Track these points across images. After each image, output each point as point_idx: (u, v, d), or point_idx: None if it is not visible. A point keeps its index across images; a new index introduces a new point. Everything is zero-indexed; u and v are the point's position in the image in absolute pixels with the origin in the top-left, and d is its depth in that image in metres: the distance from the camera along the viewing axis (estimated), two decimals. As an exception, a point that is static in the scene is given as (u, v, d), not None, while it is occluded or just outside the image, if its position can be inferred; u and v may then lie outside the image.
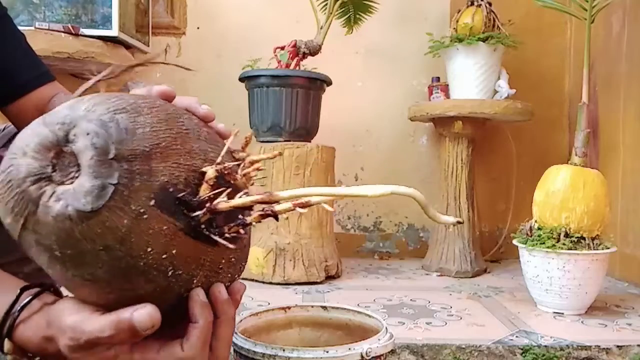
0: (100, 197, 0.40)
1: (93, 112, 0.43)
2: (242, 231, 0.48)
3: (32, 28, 1.89)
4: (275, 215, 0.47)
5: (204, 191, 0.45)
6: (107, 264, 0.42)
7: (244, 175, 0.48)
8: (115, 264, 0.42)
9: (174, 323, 0.48)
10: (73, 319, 0.46)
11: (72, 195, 0.41)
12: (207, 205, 0.44)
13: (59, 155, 0.42)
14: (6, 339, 0.50)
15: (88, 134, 0.42)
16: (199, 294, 0.47)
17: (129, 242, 0.42)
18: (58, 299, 0.51)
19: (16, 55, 0.80)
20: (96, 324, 0.45)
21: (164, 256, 0.43)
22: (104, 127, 0.42)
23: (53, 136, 0.42)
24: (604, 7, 1.78)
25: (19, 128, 0.81)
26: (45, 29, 1.89)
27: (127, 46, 2.17)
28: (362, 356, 0.67)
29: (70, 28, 1.92)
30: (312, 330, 1.00)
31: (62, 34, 1.90)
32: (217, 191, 0.45)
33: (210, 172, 0.45)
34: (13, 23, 0.81)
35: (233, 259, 0.50)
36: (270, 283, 1.92)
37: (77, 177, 0.41)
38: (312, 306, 1.02)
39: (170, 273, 0.44)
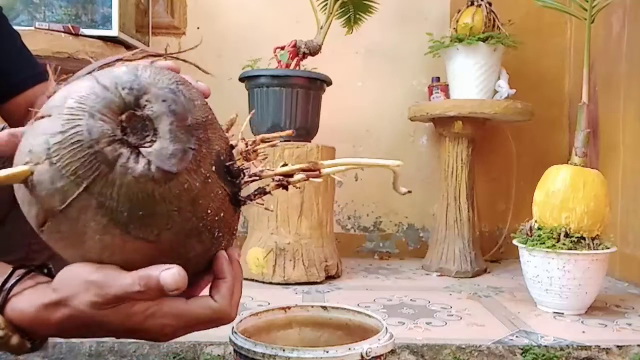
0: (183, 160, 0.43)
1: (159, 81, 0.45)
2: (262, 199, 0.52)
3: (32, 28, 1.89)
4: (286, 186, 0.52)
5: (239, 162, 0.50)
6: (177, 225, 0.43)
7: (255, 151, 0.53)
8: (183, 225, 0.44)
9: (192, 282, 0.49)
10: (97, 275, 0.45)
11: (157, 157, 0.42)
12: (254, 173, 0.49)
13: (130, 119, 0.43)
14: None
15: (164, 100, 0.44)
16: (225, 254, 0.50)
17: (197, 204, 0.44)
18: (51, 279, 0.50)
19: (11, 54, 0.80)
20: (127, 278, 0.45)
21: (216, 218, 0.46)
22: (176, 95, 0.44)
23: (120, 100, 0.43)
24: (604, 7, 1.78)
25: (12, 126, 0.81)
26: (45, 29, 1.89)
27: (127, 46, 2.17)
28: (362, 356, 0.67)
29: (70, 28, 1.92)
30: (312, 330, 1.00)
31: (62, 34, 1.90)
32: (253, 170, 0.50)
33: (241, 145, 0.51)
34: (8, 22, 0.80)
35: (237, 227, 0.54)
36: (270, 283, 1.92)
37: (155, 141, 0.42)
38: (312, 306, 1.02)
39: (215, 234, 0.47)
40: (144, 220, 0.42)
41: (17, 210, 0.83)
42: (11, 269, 0.51)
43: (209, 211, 0.45)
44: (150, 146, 0.42)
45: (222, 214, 0.47)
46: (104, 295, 0.45)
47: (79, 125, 0.41)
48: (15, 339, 0.49)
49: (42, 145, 0.41)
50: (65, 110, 0.42)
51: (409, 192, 0.51)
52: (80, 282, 0.46)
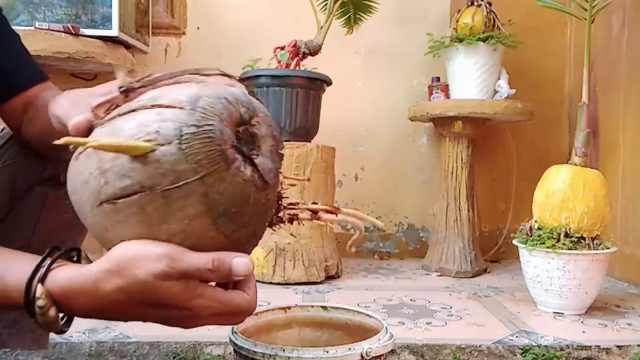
0: (275, 177, 0.53)
1: (264, 108, 0.56)
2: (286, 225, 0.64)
3: (32, 28, 1.89)
4: (294, 220, 0.63)
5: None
6: (251, 226, 0.52)
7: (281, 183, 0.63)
8: (254, 228, 0.53)
9: None
10: (171, 249, 0.48)
11: (261, 168, 0.51)
12: (292, 202, 0.63)
13: (245, 132, 0.51)
14: (39, 284, 0.50)
15: (269, 125, 0.54)
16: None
17: (268, 214, 0.55)
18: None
19: (11, 54, 0.80)
20: (200, 257, 0.49)
21: (265, 228, 0.57)
22: (275, 124, 0.56)
23: (238, 115, 0.51)
24: (604, 7, 1.78)
25: (10, 126, 0.80)
26: (45, 29, 1.89)
27: (127, 46, 2.17)
28: (362, 356, 0.67)
29: (70, 28, 1.92)
30: (312, 330, 1.00)
31: (62, 34, 1.90)
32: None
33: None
34: (8, 23, 0.81)
35: None
36: (270, 283, 1.93)
37: (258, 156, 0.51)
38: (312, 306, 1.02)
39: (259, 240, 0.56)
40: (233, 216, 0.49)
41: (17, 209, 0.83)
42: (48, 249, 0.54)
43: (267, 222, 0.56)
44: (255, 158, 0.51)
45: (272, 218, 0.59)
46: (175, 267, 0.48)
47: (212, 124, 0.48)
48: (52, 312, 0.50)
49: (174, 130, 0.47)
50: (199, 109, 0.48)
51: (357, 251, 0.60)
52: (149, 254, 0.48)
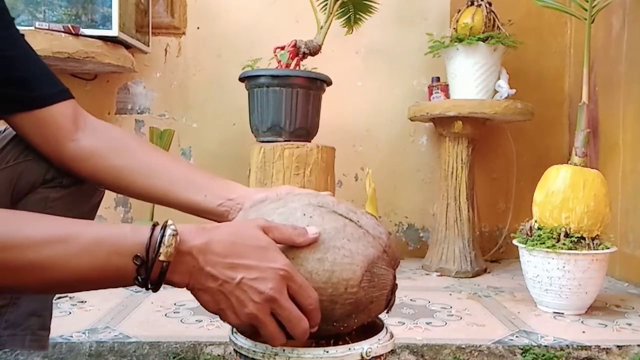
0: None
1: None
2: None
3: (32, 28, 1.89)
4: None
5: None
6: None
7: None
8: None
9: None
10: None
11: None
12: None
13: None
14: (170, 226, 0.57)
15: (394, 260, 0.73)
16: None
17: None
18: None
19: (37, 68, 0.80)
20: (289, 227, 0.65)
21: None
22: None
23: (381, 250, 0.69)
24: (604, 7, 1.78)
25: (29, 138, 0.80)
26: (45, 29, 1.89)
27: (127, 46, 2.17)
28: (362, 356, 0.67)
29: (70, 28, 1.92)
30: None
31: (62, 34, 1.90)
32: None
33: None
34: (21, 35, 0.81)
35: None
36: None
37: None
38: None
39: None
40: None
41: (18, 211, 0.83)
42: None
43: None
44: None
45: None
46: (270, 224, 0.63)
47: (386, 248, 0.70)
48: (177, 240, 0.57)
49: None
50: (377, 236, 0.69)
51: None
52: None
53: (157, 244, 0.56)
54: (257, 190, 0.82)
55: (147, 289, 0.58)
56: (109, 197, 2.39)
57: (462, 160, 2.23)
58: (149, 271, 0.56)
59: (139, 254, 0.56)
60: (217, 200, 0.78)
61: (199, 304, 0.60)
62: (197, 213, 0.80)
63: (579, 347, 1.34)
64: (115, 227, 0.59)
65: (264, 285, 0.58)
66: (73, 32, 1.92)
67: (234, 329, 0.72)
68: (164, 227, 0.57)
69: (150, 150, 0.84)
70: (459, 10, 2.24)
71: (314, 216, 0.67)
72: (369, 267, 0.66)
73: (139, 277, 0.56)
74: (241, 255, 0.59)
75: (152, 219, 2.16)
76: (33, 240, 0.55)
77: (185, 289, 0.60)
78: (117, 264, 0.56)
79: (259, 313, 0.59)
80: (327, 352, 0.65)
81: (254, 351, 0.68)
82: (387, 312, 0.72)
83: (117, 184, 0.81)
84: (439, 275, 2.17)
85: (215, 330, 1.41)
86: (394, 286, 0.72)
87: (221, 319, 0.61)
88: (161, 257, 0.56)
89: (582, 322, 1.56)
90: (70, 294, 1.60)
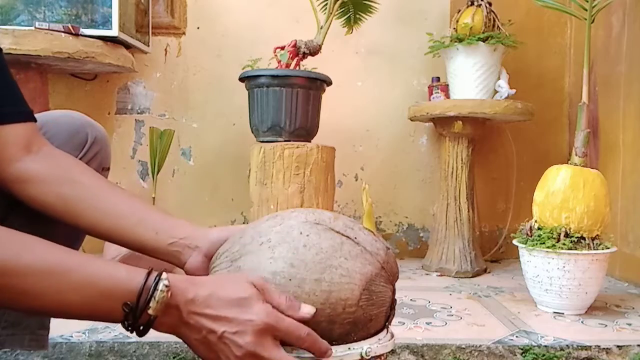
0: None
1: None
2: None
3: (32, 28, 1.89)
4: None
5: None
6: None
7: None
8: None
9: None
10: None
11: None
12: None
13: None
14: (163, 280, 0.58)
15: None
16: None
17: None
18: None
19: (8, 83, 0.77)
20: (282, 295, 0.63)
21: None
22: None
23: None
24: (604, 7, 1.78)
25: None
26: (45, 29, 1.89)
27: (127, 46, 2.17)
28: (361, 356, 0.67)
29: (70, 28, 1.92)
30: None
31: (62, 34, 1.90)
32: None
33: None
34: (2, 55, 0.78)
35: None
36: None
37: None
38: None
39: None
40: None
41: (15, 213, 0.83)
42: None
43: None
44: None
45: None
46: (264, 285, 0.62)
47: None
48: (169, 295, 0.58)
49: None
50: (375, 252, 0.70)
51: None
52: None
53: (148, 297, 0.57)
54: (216, 229, 0.78)
55: (132, 333, 0.59)
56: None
57: (462, 160, 2.23)
58: (136, 319, 0.58)
59: (129, 302, 0.57)
60: (169, 239, 0.75)
61: None
62: (146, 252, 0.77)
63: (579, 347, 1.34)
64: (111, 268, 0.59)
65: (243, 339, 0.58)
66: (73, 32, 1.92)
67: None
68: (157, 280, 0.57)
69: (105, 185, 0.79)
70: (459, 10, 2.24)
71: (311, 234, 0.67)
72: (367, 286, 0.66)
73: (126, 322, 0.58)
74: (222, 307, 0.59)
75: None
76: (30, 269, 0.56)
77: None
78: (107, 307, 0.58)
79: None
80: (327, 351, 0.65)
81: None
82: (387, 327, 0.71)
83: (62, 213, 0.77)
84: (439, 275, 2.17)
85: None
86: (393, 302, 0.71)
87: None
88: (150, 311, 0.57)
89: (582, 322, 1.56)
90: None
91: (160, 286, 0.57)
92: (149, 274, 0.58)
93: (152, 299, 0.57)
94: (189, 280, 0.60)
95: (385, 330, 0.72)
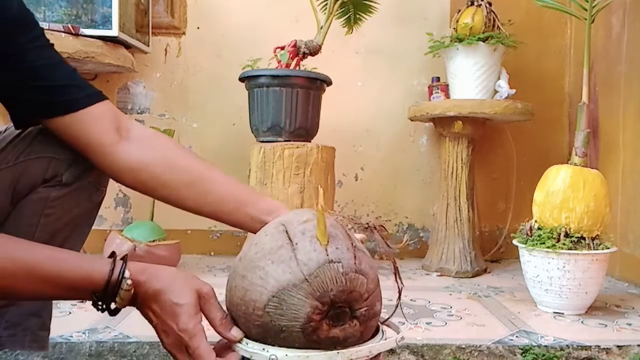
0: None
1: None
2: None
3: (32, 28, 1.88)
4: None
5: None
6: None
7: None
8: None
9: None
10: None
11: None
12: None
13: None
14: (126, 279, 0.66)
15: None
16: None
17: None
18: None
19: (69, 74, 0.81)
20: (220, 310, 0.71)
21: None
22: None
23: None
24: (604, 7, 1.78)
25: (68, 140, 0.81)
26: (45, 29, 1.88)
27: (127, 46, 2.17)
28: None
29: (70, 28, 1.92)
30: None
31: (62, 34, 1.90)
32: None
33: None
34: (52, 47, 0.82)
35: None
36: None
37: None
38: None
39: None
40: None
41: (19, 209, 0.83)
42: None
43: None
44: None
45: None
46: (208, 295, 0.70)
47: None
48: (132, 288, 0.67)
49: None
50: (305, 263, 0.65)
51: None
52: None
53: (114, 292, 0.66)
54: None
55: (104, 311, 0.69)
56: (109, 197, 2.39)
57: (462, 160, 2.23)
58: (104, 307, 0.68)
59: (96, 294, 0.66)
60: (261, 223, 0.81)
61: None
62: (239, 227, 0.87)
63: (579, 347, 1.34)
64: (78, 261, 0.68)
65: (166, 338, 0.68)
66: (73, 32, 1.92)
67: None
68: (121, 278, 0.66)
69: (201, 167, 0.86)
70: (459, 10, 2.24)
71: (268, 234, 0.69)
72: (278, 293, 0.63)
73: (97, 306, 0.68)
74: (162, 306, 0.67)
75: (152, 219, 2.16)
76: (1, 265, 0.63)
77: None
78: (77, 295, 0.68)
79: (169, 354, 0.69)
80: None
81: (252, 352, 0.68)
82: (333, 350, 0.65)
83: (166, 198, 0.85)
84: (439, 275, 2.17)
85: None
86: (323, 324, 0.64)
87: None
88: (116, 305, 0.68)
89: (582, 322, 1.56)
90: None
91: (124, 285, 0.66)
92: (113, 267, 0.66)
93: (117, 295, 0.66)
94: (148, 272, 0.68)
95: (380, 333, 0.73)
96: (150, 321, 0.69)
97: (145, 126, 0.90)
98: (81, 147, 0.81)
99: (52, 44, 0.81)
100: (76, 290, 0.66)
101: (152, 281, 0.68)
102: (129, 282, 0.66)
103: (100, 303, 0.67)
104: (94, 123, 0.79)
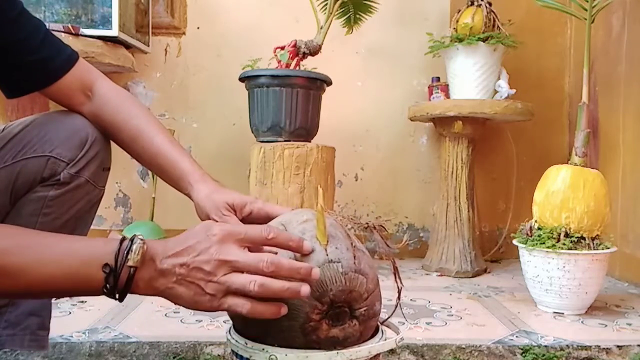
0: None
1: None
2: None
3: (32, 28, 1.89)
4: None
5: None
6: None
7: None
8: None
9: None
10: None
11: None
12: None
13: None
14: (137, 241, 0.60)
15: None
16: None
17: None
18: None
19: (44, 42, 0.87)
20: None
21: None
22: None
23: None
24: (604, 7, 1.78)
25: (64, 105, 0.92)
26: (45, 29, 1.89)
27: (127, 46, 2.17)
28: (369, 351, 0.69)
29: (70, 28, 1.92)
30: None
31: (62, 34, 1.90)
32: None
33: None
34: (30, 14, 0.86)
35: None
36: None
37: None
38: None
39: None
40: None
41: (17, 208, 0.83)
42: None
43: None
44: None
45: None
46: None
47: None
48: (144, 250, 0.61)
49: None
50: None
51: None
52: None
53: (126, 252, 0.59)
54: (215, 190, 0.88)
55: (115, 297, 0.61)
56: (109, 197, 2.39)
57: (462, 160, 2.23)
58: (116, 278, 0.59)
59: (108, 262, 0.59)
60: (185, 188, 0.88)
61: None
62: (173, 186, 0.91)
63: (579, 347, 1.34)
64: (87, 240, 0.64)
65: (208, 253, 0.60)
66: (73, 32, 1.92)
67: (232, 330, 0.73)
68: (133, 239, 0.61)
69: (141, 119, 0.94)
70: (459, 10, 2.24)
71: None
72: None
73: (107, 285, 0.59)
74: (187, 240, 0.61)
75: (152, 219, 2.16)
76: (9, 248, 0.58)
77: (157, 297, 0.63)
78: (87, 273, 0.59)
79: (220, 287, 0.60)
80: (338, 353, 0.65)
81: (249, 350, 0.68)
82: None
83: (125, 150, 0.93)
84: (439, 275, 2.17)
85: (215, 330, 1.41)
86: (323, 324, 0.65)
87: (201, 310, 0.62)
88: (129, 263, 0.59)
89: (582, 322, 1.56)
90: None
91: (136, 240, 0.60)
92: (123, 238, 0.61)
93: (130, 251, 0.59)
94: (162, 240, 0.64)
95: (380, 333, 0.73)
96: (179, 270, 0.60)
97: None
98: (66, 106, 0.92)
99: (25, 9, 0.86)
100: (87, 265, 0.59)
101: (168, 241, 0.63)
102: (141, 236, 0.61)
103: (111, 279, 0.59)
104: (68, 88, 0.90)
